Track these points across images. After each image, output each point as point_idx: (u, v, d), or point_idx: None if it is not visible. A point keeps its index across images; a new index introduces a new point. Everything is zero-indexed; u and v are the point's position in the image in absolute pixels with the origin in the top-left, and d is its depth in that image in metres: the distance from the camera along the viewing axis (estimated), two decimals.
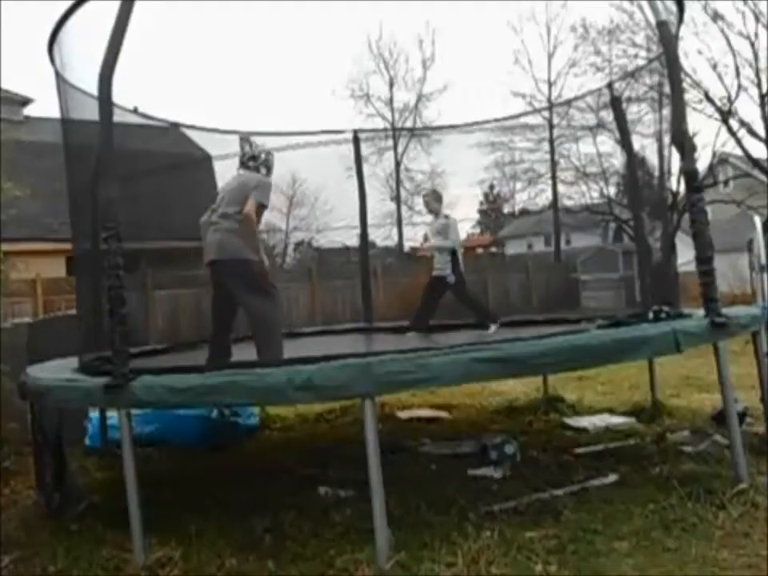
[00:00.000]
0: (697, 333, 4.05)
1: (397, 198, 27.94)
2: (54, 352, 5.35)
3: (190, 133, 8.45)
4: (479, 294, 6.62)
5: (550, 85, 27.44)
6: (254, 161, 5.12)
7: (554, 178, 24.42)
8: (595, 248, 23.54)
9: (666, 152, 5.55)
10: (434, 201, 7.20)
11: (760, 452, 4.50)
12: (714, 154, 20.23)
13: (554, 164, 23.74)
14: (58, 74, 4.86)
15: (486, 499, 4.04)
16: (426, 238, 7.96)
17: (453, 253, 6.87)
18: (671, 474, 4.20)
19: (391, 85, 30.18)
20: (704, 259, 4.10)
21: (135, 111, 7.50)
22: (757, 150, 19.28)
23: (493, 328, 6.54)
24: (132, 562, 3.53)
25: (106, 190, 3.75)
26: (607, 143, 18.35)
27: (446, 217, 7.09)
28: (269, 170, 5.15)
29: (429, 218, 7.50)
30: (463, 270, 6.98)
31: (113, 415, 5.22)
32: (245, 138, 5.42)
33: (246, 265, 4.72)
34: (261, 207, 4.86)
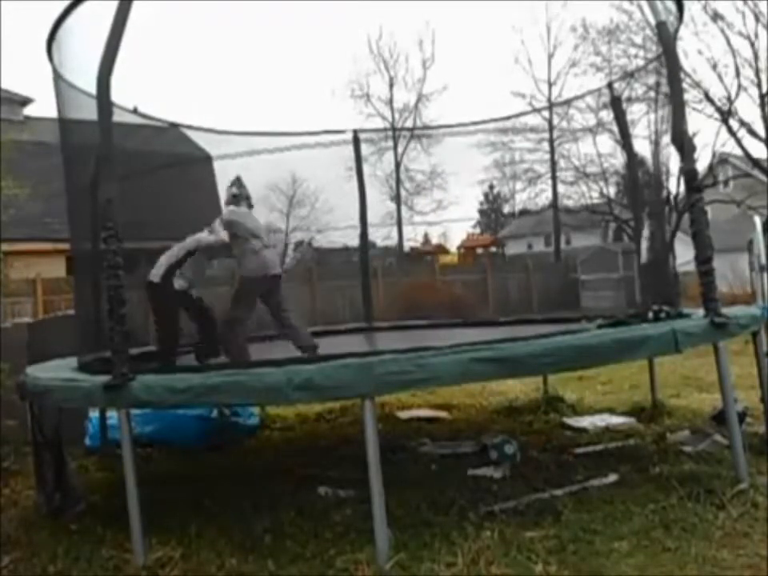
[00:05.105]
0: (696, 333, 4.04)
1: (397, 198, 27.89)
2: (54, 352, 5.35)
3: (189, 133, 8.44)
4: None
5: (550, 85, 27.50)
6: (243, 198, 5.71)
7: (554, 178, 24.41)
8: (595, 248, 23.52)
9: (664, 152, 5.55)
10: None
11: (760, 452, 4.50)
12: (713, 154, 20.25)
13: (554, 164, 23.72)
14: (56, 73, 4.86)
15: (486, 499, 4.04)
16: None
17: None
18: (671, 474, 4.20)
19: (391, 85, 30.16)
20: (704, 259, 4.10)
21: (135, 111, 7.50)
22: (757, 150, 19.30)
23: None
24: (132, 562, 3.54)
25: (105, 191, 3.75)
26: (607, 143, 18.42)
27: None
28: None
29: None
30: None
31: (113, 415, 5.21)
32: (239, 179, 5.84)
33: None
34: None
